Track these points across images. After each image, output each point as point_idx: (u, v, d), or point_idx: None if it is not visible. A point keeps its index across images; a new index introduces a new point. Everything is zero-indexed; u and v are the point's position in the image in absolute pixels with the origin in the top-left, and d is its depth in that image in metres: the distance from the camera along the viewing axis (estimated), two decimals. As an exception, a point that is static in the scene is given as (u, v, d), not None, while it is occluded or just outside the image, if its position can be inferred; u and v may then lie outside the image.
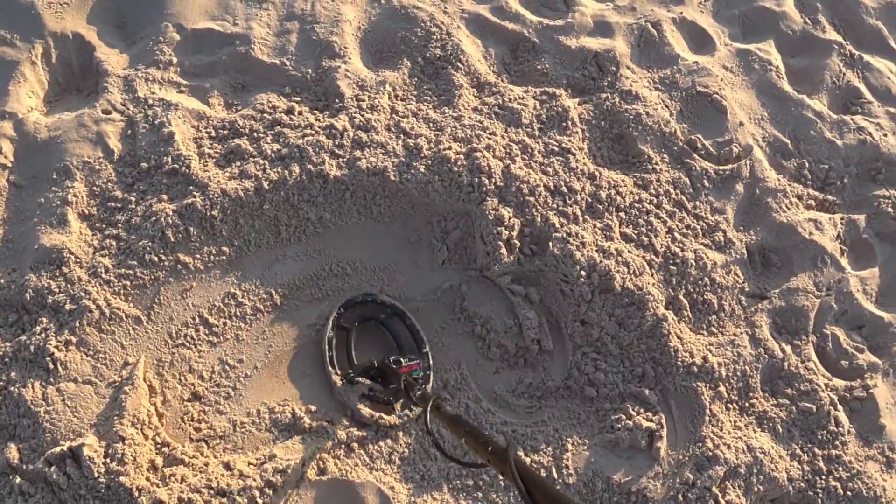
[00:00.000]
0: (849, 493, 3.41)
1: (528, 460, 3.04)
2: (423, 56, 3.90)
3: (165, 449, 2.75)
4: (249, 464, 2.76)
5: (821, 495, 3.37)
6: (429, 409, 2.47)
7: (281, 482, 2.73)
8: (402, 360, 3.00)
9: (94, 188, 3.23)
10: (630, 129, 3.93)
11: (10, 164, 3.26)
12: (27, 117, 3.37)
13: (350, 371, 3.02)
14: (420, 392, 2.71)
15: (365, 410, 2.97)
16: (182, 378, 2.93)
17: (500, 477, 2.93)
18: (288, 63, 3.73)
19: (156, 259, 3.04)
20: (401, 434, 3.02)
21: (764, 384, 3.53)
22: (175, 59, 3.66)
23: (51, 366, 2.78)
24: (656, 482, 3.14)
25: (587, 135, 3.87)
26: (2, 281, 2.98)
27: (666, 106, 4.11)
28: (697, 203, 3.85)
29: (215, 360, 3.00)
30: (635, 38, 4.43)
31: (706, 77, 4.32)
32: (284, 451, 2.82)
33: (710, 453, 3.22)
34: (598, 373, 3.30)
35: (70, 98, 3.63)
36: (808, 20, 4.98)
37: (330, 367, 3.03)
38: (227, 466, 2.74)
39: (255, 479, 2.71)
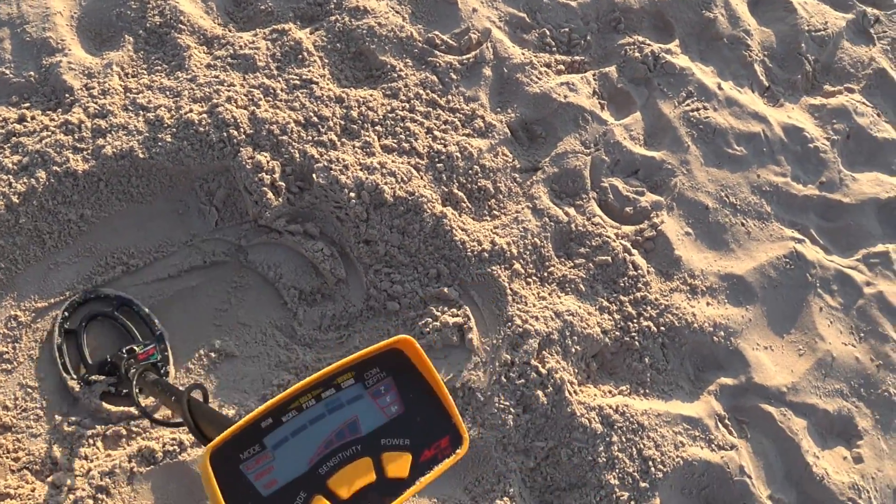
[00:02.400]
0: (662, 328, 3.60)
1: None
2: (144, 28, 3.78)
3: (-13, 488, 2.69)
4: (76, 476, 2.74)
5: (637, 338, 3.55)
6: (135, 378, 2.52)
7: (111, 484, 2.72)
8: (135, 347, 2.93)
9: None
10: (367, 44, 3.94)
11: None
12: None
13: (85, 372, 2.93)
14: (134, 369, 2.64)
15: (109, 407, 2.91)
16: (-15, 414, 2.86)
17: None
18: (8, 71, 3.58)
19: (-77, 302, 2.94)
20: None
21: (557, 250, 3.67)
22: None
23: None
24: (478, 371, 3.24)
25: (326, 61, 3.87)
26: None
27: (397, 12, 4.13)
28: (450, 97, 3.92)
29: (15, 387, 2.93)
30: (352, -45, 4.42)
31: (430, -26, 4.37)
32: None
33: (521, 329, 3.33)
34: (395, 285, 3.37)
35: None
36: None
37: (65, 374, 2.91)
38: (55, 485, 2.70)
39: (84, 490, 2.69)
